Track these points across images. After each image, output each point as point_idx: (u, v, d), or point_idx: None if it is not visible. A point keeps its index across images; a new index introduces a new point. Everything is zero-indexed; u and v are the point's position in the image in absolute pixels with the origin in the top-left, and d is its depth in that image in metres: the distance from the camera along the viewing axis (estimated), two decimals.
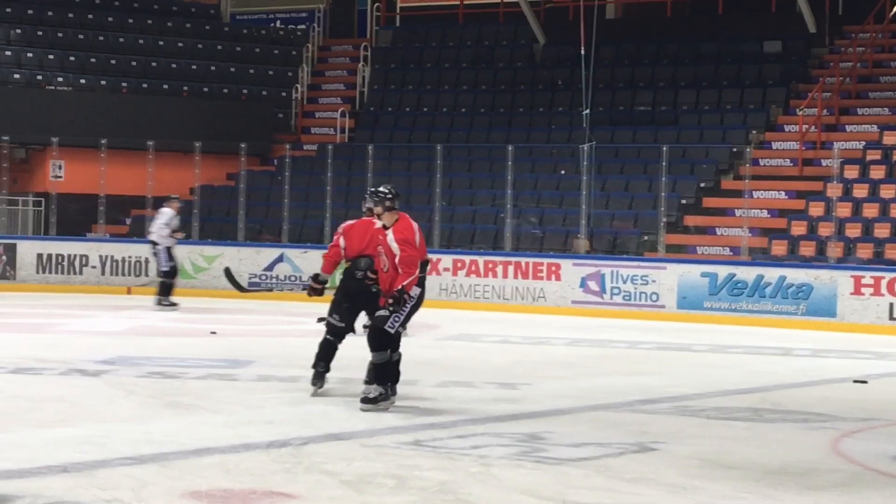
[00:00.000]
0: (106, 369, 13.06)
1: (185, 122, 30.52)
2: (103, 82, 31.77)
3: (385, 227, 11.01)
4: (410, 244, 10.83)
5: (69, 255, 25.60)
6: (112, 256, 25.58)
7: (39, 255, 25.54)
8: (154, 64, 32.72)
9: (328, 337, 11.66)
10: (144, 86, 32.08)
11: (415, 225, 11.05)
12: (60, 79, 31.39)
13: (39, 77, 31.18)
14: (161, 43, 33.42)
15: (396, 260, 10.80)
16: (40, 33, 32.35)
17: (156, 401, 11.04)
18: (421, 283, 10.96)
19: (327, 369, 11.67)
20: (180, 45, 33.58)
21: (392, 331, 10.87)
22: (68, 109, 30.19)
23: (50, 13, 32.96)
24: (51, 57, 31.81)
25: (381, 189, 11.22)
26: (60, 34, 32.48)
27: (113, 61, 32.31)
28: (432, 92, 32.56)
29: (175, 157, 29.02)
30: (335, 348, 11.68)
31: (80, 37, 32.65)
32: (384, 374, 10.95)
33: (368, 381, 11.07)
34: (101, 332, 17.72)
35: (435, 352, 15.92)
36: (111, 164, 27.12)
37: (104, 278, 25.44)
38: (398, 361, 11.10)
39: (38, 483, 7.57)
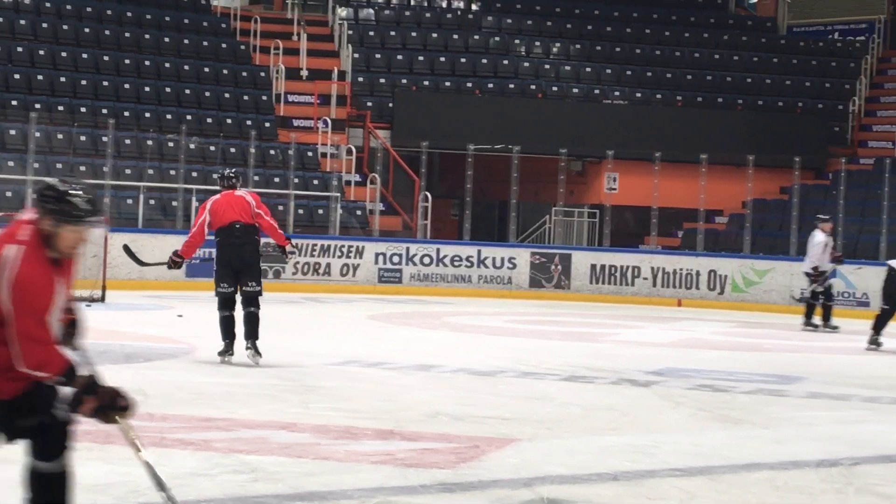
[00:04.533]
0: (655, 380, 13.18)
1: (739, 136, 30.42)
2: (658, 96, 32.18)
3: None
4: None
5: (621, 266, 26.04)
6: (663, 268, 25.82)
7: (593, 266, 26.12)
8: (709, 77, 32.83)
9: None
10: (699, 99, 32.25)
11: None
12: (617, 93, 32.05)
13: (597, 91, 31.95)
14: (717, 56, 33.49)
15: None
16: (598, 48, 33.14)
17: (704, 413, 11.03)
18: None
19: None
20: (735, 58, 33.53)
21: None
22: (624, 123, 30.77)
23: (608, 28, 33.73)
24: (608, 71, 32.53)
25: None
26: (618, 49, 33.16)
27: (668, 75, 32.67)
28: None
29: (727, 171, 28.98)
30: None
31: (637, 51, 33.21)
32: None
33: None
34: (651, 342, 17.90)
35: None
36: (664, 177, 27.40)
37: (655, 290, 25.71)
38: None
39: (588, 489, 7.71)
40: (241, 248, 12.86)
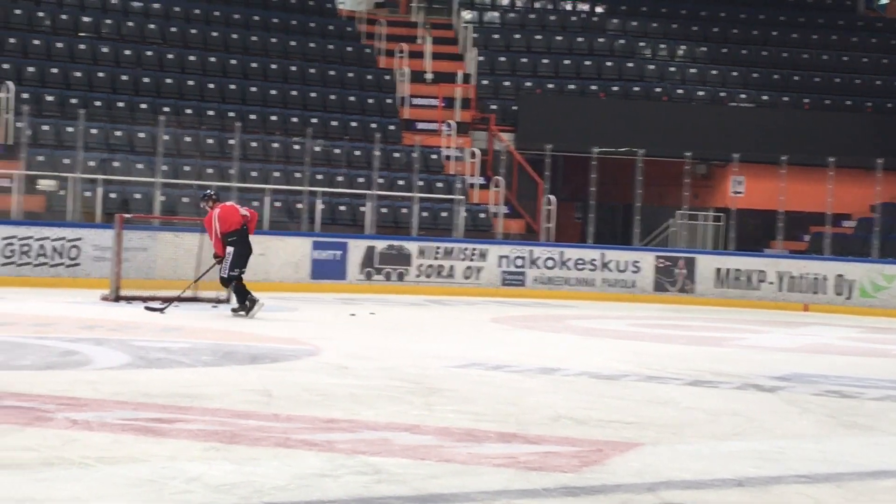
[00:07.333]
0: (781, 385, 13.02)
1: (867, 138, 29.99)
2: (785, 98, 31.81)
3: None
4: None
5: (747, 270, 25.78)
6: (790, 273, 25.52)
7: (718, 270, 25.89)
8: (837, 80, 32.40)
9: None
10: (826, 102, 31.83)
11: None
12: (743, 95, 31.74)
13: (723, 94, 31.68)
14: (845, 58, 33.05)
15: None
16: (724, 51, 32.86)
17: (831, 419, 10.87)
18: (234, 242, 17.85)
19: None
20: (864, 60, 33.05)
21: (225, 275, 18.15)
22: (749, 126, 30.47)
23: (734, 31, 33.44)
24: (734, 74, 32.23)
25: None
26: (744, 51, 32.85)
27: (796, 77, 32.30)
28: None
29: (855, 174, 28.57)
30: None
31: (764, 53, 32.87)
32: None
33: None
34: (776, 347, 17.69)
35: None
36: (790, 181, 27.09)
37: (781, 294, 25.43)
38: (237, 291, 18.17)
39: (712, 495, 7.64)
40: (248, 242, 18.11)
